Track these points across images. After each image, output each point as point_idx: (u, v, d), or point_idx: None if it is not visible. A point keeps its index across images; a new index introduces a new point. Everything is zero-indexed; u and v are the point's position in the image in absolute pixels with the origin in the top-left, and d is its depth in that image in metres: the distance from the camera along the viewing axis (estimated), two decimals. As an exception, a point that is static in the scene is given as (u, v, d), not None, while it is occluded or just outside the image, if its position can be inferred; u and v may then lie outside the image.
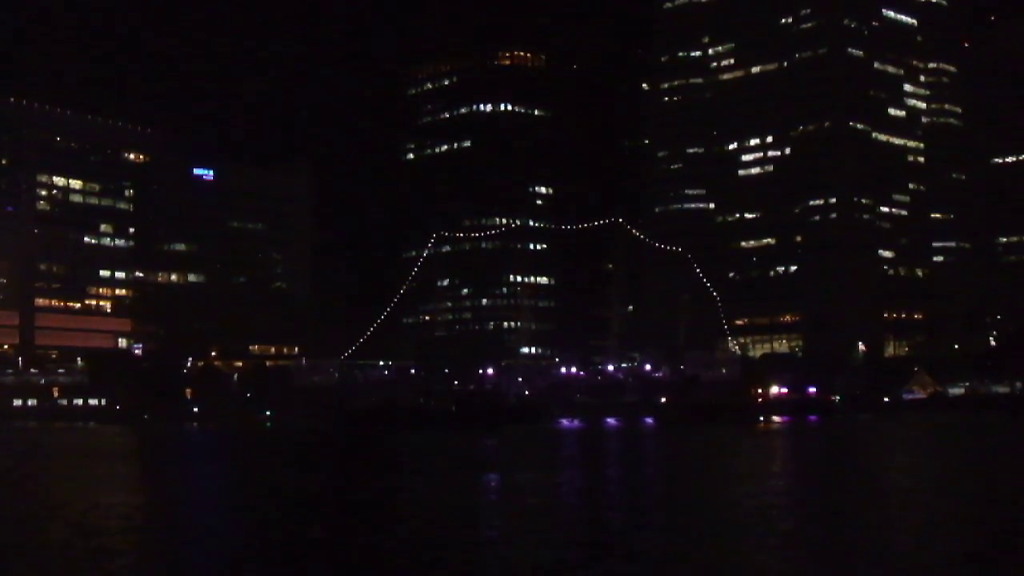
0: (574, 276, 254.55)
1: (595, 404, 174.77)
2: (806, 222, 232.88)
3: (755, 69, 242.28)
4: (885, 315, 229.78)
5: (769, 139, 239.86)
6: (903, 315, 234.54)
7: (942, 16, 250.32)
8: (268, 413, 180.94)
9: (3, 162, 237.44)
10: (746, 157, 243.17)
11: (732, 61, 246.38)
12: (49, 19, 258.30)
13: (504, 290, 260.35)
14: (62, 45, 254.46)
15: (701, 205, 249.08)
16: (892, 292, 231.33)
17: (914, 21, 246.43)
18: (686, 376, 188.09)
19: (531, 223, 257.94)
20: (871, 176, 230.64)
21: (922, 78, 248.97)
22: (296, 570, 36.75)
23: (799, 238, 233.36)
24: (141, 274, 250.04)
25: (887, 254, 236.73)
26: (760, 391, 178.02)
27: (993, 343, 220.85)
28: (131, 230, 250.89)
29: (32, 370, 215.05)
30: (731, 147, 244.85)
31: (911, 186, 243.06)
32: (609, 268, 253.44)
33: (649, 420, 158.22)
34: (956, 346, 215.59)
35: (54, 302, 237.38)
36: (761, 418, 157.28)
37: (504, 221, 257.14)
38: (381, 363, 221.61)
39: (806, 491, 60.74)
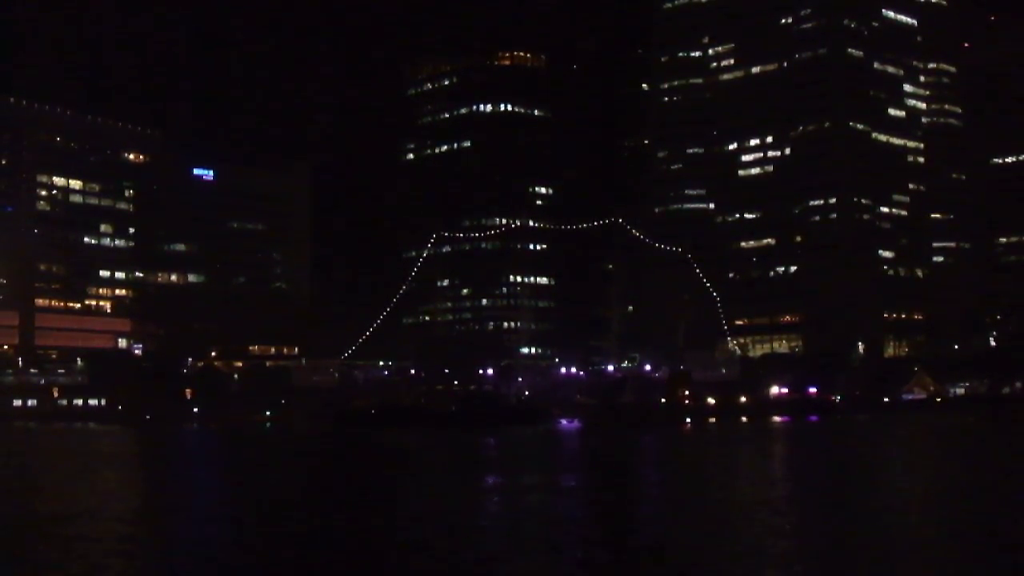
0: (574, 276, 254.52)
1: (594, 405, 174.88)
2: (806, 222, 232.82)
3: (755, 69, 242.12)
4: (885, 315, 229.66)
5: (769, 139, 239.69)
6: (903, 315, 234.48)
7: (942, 16, 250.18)
8: (268, 413, 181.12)
9: (3, 162, 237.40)
10: (746, 157, 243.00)
11: (732, 61, 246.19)
12: (49, 19, 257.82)
13: (504, 290, 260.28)
14: (62, 45, 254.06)
15: (701, 205, 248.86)
16: (892, 292, 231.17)
17: (914, 21, 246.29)
18: (615, 378, 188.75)
19: (531, 223, 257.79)
20: (871, 176, 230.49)
21: (922, 78, 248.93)
22: (295, 572, 36.75)
23: (799, 238, 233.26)
24: (141, 274, 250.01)
25: (887, 254, 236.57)
26: (687, 393, 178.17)
27: (993, 343, 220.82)
28: (131, 230, 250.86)
29: (32, 370, 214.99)
30: (731, 147, 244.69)
31: (911, 186, 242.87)
32: (609, 268, 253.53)
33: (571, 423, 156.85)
34: (956, 346, 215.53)
35: (54, 302, 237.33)
36: (688, 420, 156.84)
37: (504, 221, 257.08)
38: (381, 363, 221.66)
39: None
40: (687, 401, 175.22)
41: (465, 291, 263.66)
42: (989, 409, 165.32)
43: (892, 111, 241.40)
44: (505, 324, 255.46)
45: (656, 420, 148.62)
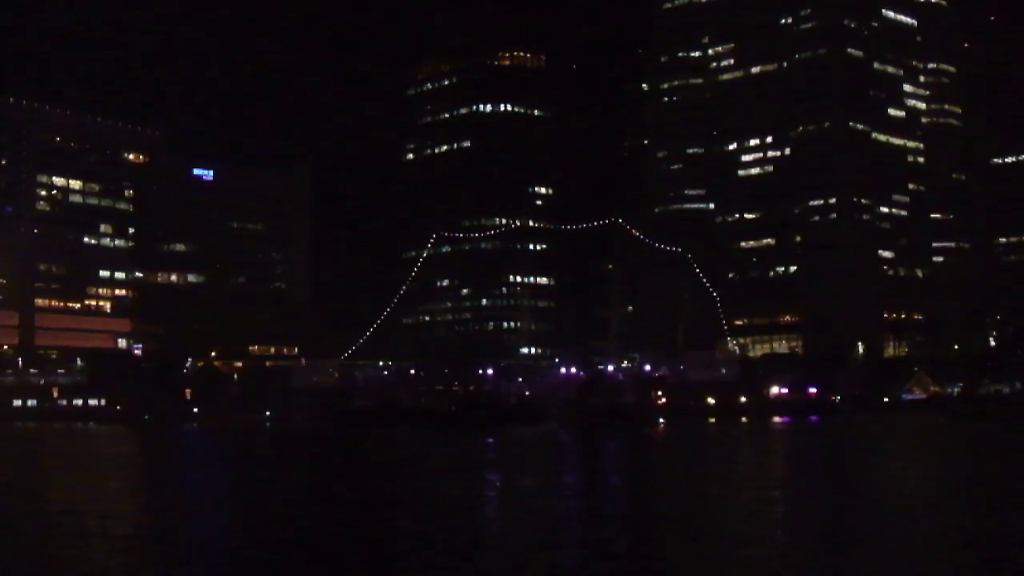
0: (574, 276, 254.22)
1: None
2: (806, 222, 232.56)
3: (755, 69, 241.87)
4: (885, 315, 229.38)
5: (769, 139, 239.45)
6: (903, 315, 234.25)
7: (942, 16, 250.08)
8: (268, 413, 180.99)
9: (3, 162, 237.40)
10: (746, 157, 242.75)
11: (732, 61, 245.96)
12: (49, 19, 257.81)
13: (504, 290, 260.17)
14: (62, 45, 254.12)
15: (701, 205, 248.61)
16: (892, 292, 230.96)
17: (914, 21, 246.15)
18: (587, 379, 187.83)
19: (531, 223, 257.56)
20: (871, 176, 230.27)
21: (922, 78, 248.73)
22: (295, 573, 36.76)
23: (799, 238, 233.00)
24: (141, 274, 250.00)
25: (887, 254, 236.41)
26: (659, 394, 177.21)
27: (993, 343, 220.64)
28: (131, 230, 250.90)
29: (32, 370, 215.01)
30: (731, 147, 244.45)
31: (911, 186, 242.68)
32: (609, 268, 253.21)
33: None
34: (956, 346, 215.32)
35: (54, 302, 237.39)
36: (661, 421, 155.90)
37: (504, 221, 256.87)
38: (381, 363, 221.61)
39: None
40: (658, 402, 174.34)
41: (465, 291, 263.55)
42: (964, 409, 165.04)
43: (892, 111, 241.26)
44: (505, 324, 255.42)
45: (627, 421, 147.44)
